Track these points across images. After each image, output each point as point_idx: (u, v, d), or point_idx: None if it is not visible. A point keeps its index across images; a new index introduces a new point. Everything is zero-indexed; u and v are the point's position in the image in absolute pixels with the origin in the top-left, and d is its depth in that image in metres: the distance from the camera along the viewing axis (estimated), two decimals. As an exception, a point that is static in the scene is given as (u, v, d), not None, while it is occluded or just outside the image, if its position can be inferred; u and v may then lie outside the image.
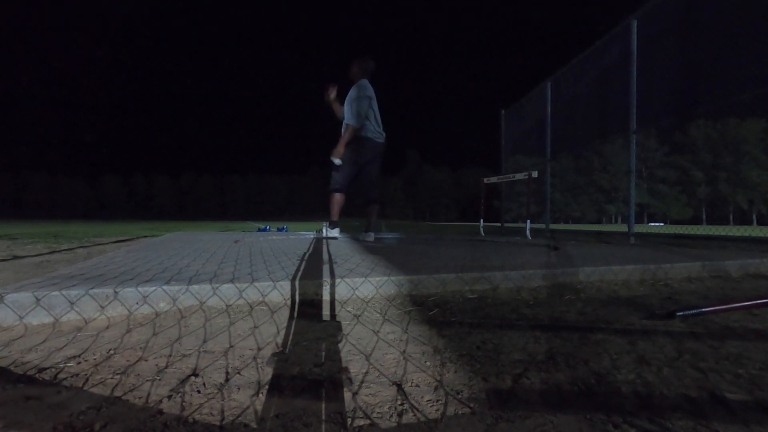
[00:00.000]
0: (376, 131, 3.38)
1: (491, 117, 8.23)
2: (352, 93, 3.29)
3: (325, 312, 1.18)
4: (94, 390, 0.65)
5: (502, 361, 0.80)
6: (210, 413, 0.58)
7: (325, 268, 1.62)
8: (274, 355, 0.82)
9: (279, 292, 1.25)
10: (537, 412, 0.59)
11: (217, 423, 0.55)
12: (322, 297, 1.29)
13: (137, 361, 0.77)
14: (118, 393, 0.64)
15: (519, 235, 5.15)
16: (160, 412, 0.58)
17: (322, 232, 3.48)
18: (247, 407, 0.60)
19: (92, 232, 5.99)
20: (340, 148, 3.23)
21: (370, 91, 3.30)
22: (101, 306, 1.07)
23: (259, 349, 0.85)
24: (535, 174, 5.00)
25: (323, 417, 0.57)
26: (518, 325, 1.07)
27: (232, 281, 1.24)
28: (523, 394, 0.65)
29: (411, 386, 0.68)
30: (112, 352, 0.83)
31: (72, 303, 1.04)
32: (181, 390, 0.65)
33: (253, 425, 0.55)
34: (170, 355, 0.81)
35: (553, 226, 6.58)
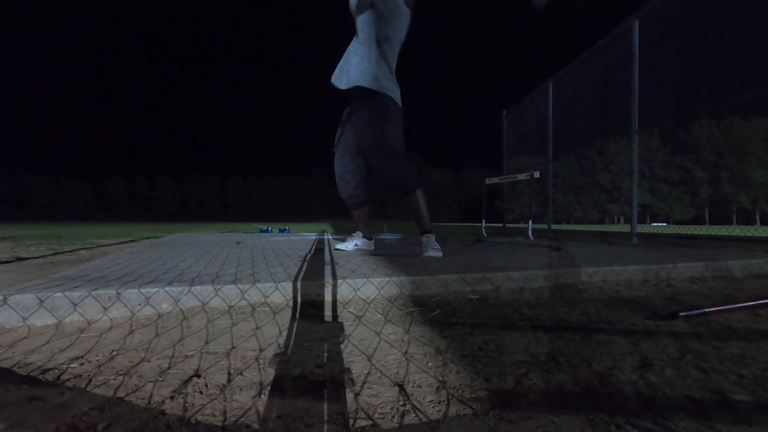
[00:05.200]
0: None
1: (493, 117, 8.23)
2: None
3: (327, 313, 1.18)
4: (97, 391, 0.65)
5: (504, 361, 0.80)
6: (212, 414, 0.58)
7: (327, 269, 1.62)
8: (276, 356, 0.82)
9: (281, 293, 1.25)
10: (539, 412, 0.59)
11: (220, 424, 0.55)
12: (324, 298, 1.29)
13: (140, 362, 0.78)
14: (120, 394, 0.64)
15: (521, 236, 5.14)
16: (163, 412, 0.58)
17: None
18: (249, 408, 0.60)
19: (95, 234, 6.01)
20: None
21: None
22: (104, 307, 1.07)
23: (261, 350, 0.85)
24: (537, 174, 5.00)
25: (325, 417, 0.57)
26: (520, 325, 1.07)
27: (234, 282, 1.24)
28: (525, 395, 0.65)
29: (413, 387, 0.68)
30: (114, 353, 0.83)
31: (75, 304, 1.05)
32: (184, 391, 0.65)
33: (255, 426, 0.55)
34: (172, 356, 0.81)
35: (555, 227, 6.56)
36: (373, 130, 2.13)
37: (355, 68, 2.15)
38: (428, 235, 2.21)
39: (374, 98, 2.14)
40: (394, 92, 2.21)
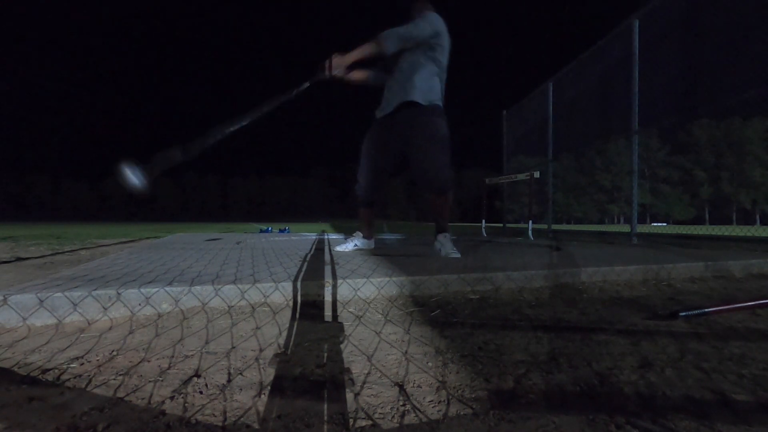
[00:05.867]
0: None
1: (493, 117, 8.23)
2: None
3: (327, 313, 1.18)
4: (97, 391, 0.65)
5: (504, 361, 0.80)
6: (212, 414, 0.58)
7: (327, 269, 1.62)
8: (276, 356, 0.82)
9: (281, 293, 1.25)
10: (539, 412, 0.59)
11: (220, 424, 0.55)
12: (324, 298, 1.29)
13: (140, 362, 0.78)
14: (120, 394, 0.64)
15: (521, 236, 5.14)
16: (163, 413, 0.58)
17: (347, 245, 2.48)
18: (249, 408, 0.60)
19: (95, 234, 6.01)
20: (346, 59, 2.10)
21: (438, 25, 2.22)
22: (104, 307, 1.07)
23: (261, 350, 0.85)
24: (537, 174, 5.00)
25: (325, 417, 0.57)
26: (520, 325, 1.07)
27: (234, 282, 1.24)
28: (525, 395, 0.65)
29: (413, 387, 0.68)
30: (114, 353, 0.83)
31: (75, 304, 1.05)
32: (184, 391, 0.66)
33: (255, 426, 0.55)
34: (172, 356, 0.81)
35: (555, 227, 6.56)
36: (426, 132, 2.20)
37: (395, 86, 2.27)
38: (445, 234, 2.28)
39: (425, 109, 2.22)
40: (440, 97, 2.30)
